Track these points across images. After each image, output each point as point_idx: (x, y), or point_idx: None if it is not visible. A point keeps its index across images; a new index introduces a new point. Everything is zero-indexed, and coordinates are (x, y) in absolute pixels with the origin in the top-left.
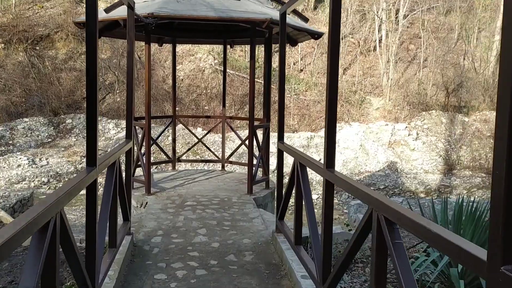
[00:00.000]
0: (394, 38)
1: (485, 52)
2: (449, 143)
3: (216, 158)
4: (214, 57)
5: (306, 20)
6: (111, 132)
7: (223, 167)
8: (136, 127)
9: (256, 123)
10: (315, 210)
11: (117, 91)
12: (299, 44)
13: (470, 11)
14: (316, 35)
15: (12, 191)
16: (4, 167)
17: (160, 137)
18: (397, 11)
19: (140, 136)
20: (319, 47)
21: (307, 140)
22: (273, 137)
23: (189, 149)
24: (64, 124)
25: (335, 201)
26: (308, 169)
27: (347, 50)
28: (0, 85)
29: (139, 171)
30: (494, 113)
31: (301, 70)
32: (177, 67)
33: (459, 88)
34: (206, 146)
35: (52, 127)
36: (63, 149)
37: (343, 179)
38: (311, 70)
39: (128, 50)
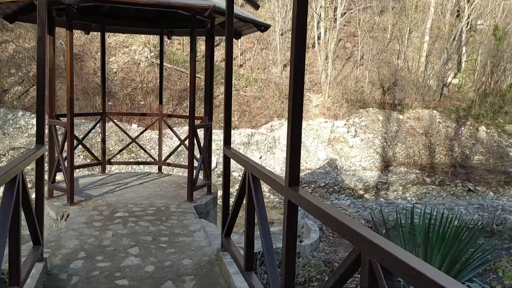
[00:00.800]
0: (332, 36)
1: (416, 52)
2: (385, 140)
3: (152, 160)
4: (150, 50)
5: (257, 6)
6: (35, 128)
7: (160, 169)
8: (57, 126)
9: (197, 121)
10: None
11: None
12: (239, 39)
13: (402, 12)
14: (263, 27)
15: None
16: None
17: (91, 136)
18: (335, 9)
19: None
20: (259, 42)
21: (247, 137)
22: (215, 134)
23: (121, 150)
24: None
25: (277, 199)
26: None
27: (287, 46)
28: None
29: (62, 177)
30: (426, 111)
31: (241, 66)
32: (110, 59)
33: (394, 86)
34: (140, 147)
35: None
36: None
37: (313, 203)
38: (251, 66)
39: (39, 35)
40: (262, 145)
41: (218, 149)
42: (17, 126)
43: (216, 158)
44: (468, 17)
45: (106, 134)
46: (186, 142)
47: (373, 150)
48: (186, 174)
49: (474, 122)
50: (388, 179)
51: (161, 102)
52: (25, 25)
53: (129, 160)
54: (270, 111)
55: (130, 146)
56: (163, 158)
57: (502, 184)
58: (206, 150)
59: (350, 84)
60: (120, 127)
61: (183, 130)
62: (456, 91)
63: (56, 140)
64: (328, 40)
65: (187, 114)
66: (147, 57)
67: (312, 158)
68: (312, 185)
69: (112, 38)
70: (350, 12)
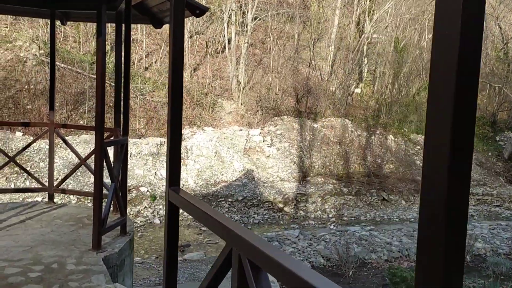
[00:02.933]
0: (243, 41)
1: (323, 61)
2: (301, 150)
3: (39, 186)
4: (39, 46)
5: None
6: None
7: (51, 198)
8: None
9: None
10: None
11: None
12: (143, 39)
13: (309, 21)
14: (198, 11)
15: None
16: None
17: None
18: (244, 14)
19: None
20: (166, 44)
21: (156, 147)
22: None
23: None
24: None
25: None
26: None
27: (195, 50)
28: None
29: None
30: (339, 120)
31: (146, 68)
32: None
33: (307, 94)
34: (23, 169)
35: None
36: None
37: (191, 202)
38: (158, 69)
39: None
40: None
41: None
42: None
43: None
44: (369, 30)
45: None
46: (91, 162)
47: (290, 160)
48: (88, 203)
49: (383, 131)
50: (306, 190)
51: (52, 108)
52: None
53: (6, 187)
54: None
55: (10, 169)
56: (55, 182)
57: (412, 192)
58: (121, 175)
59: (263, 91)
60: None
61: (81, 140)
62: (359, 100)
63: None
64: (238, 45)
65: (87, 124)
66: (36, 54)
67: (227, 170)
68: (229, 199)
69: None
70: (259, 18)
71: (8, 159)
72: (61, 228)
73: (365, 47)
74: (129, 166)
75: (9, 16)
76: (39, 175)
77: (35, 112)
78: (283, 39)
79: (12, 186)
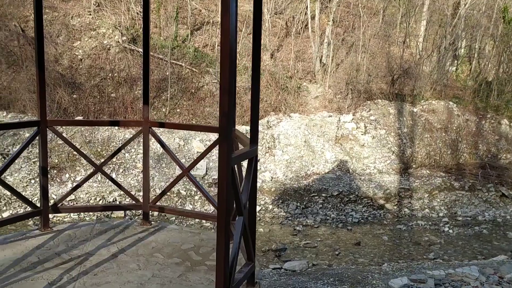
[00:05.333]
0: (326, 19)
1: (415, 38)
2: (400, 137)
3: (133, 202)
4: (121, 33)
5: None
6: None
7: (146, 217)
8: None
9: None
10: None
11: None
12: (216, 23)
13: None
14: None
15: None
16: None
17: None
18: None
19: None
20: (247, 25)
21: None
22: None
23: (76, 187)
24: None
25: (282, 212)
26: None
27: (274, 31)
28: None
29: None
30: (441, 102)
31: None
32: (74, 44)
33: (404, 75)
34: (112, 180)
35: None
36: None
37: None
38: (240, 52)
39: None
40: (259, 145)
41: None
42: None
43: (206, 163)
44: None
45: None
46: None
47: (388, 149)
48: (189, 222)
49: (495, 114)
50: (410, 185)
51: (146, 102)
52: None
53: (92, 204)
54: (265, 104)
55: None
56: (151, 197)
57: None
58: (250, 193)
59: (351, 73)
60: (69, 143)
61: (177, 136)
62: (455, 80)
63: None
64: (321, 23)
65: (169, 113)
66: (118, 41)
67: (318, 160)
68: (323, 194)
69: (76, 19)
70: None
71: (94, 168)
72: (165, 270)
73: (462, 19)
74: (214, 157)
75: (92, 3)
76: (128, 183)
77: (119, 100)
78: (370, 15)
79: (101, 199)
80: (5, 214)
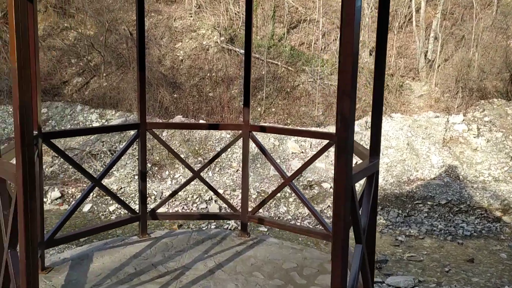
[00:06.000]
0: (436, 11)
1: None
2: None
3: (229, 212)
4: (220, 33)
5: None
6: (94, 124)
7: (244, 228)
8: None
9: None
10: None
11: (104, 74)
12: (319, 19)
13: None
14: None
15: None
16: None
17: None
18: None
19: None
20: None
21: None
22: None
23: (175, 193)
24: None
25: (382, 220)
26: None
27: (374, 27)
28: None
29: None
30: None
31: (323, 49)
32: (176, 46)
33: None
34: (209, 187)
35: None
36: None
37: None
38: (337, 50)
39: None
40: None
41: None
42: (75, 122)
43: (301, 164)
44: None
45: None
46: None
47: (505, 154)
48: (292, 244)
49: None
50: None
51: (247, 105)
52: (87, 10)
53: (190, 211)
54: (363, 103)
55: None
56: (249, 207)
57: None
58: (367, 223)
59: (462, 69)
60: (167, 146)
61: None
62: None
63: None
64: (429, 16)
65: (264, 113)
66: (217, 41)
67: (423, 165)
68: (429, 202)
69: (179, 22)
70: None
71: (193, 174)
72: (267, 281)
73: None
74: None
75: (193, 5)
76: (223, 182)
77: (216, 99)
78: (482, 6)
79: (198, 197)
80: (111, 208)
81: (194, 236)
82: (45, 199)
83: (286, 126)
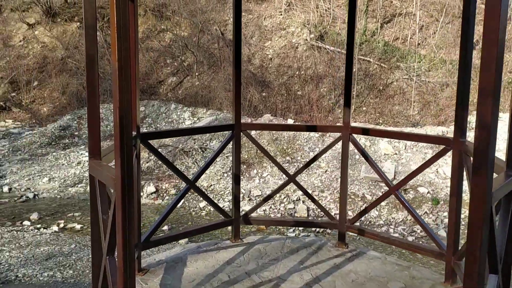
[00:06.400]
0: None
1: None
2: None
3: (326, 220)
4: (310, 31)
5: None
6: (186, 122)
7: (341, 238)
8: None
9: None
10: None
11: (196, 74)
12: (415, 12)
13: None
14: None
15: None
16: (63, 165)
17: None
18: None
19: None
20: (447, 14)
21: None
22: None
23: (269, 197)
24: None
25: None
26: None
27: (477, 19)
28: (73, 68)
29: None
30: None
31: (419, 44)
32: (265, 44)
33: None
34: (306, 192)
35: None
36: None
37: None
38: (436, 44)
39: None
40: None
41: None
42: (169, 120)
43: (394, 166)
44: None
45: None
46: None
47: None
48: (397, 259)
49: None
50: None
51: (348, 105)
52: (182, 12)
53: (283, 217)
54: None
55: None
56: (348, 215)
57: None
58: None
59: None
60: (263, 150)
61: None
62: None
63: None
64: None
65: (359, 111)
66: (306, 39)
67: None
68: None
69: (268, 20)
70: None
71: (287, 178)
72: None
73: None
74: (404, 161)
75: (283, 3)
76: (311, 183)
77: (305, 98)
78: None
79: (285, 197)
80: (202, 204)
81: (288, 243)
82: (141, 193)
83: (394, 129)
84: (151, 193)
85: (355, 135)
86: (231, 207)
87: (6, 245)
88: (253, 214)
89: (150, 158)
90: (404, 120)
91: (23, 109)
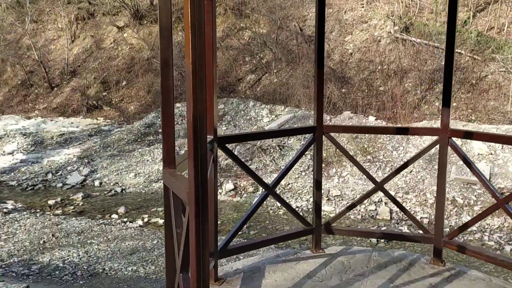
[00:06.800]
0: None
1: None
2: None
3: (419, 234)
4: (394, 23)
5: None
6: (264, 120)
7: (437, 254)
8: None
9: None
10: None
11: (274, 71)
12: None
13: None
14: None
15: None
16: (147, 161)
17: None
18: None
19: None
20: None
21: None
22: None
23: (353, 206)
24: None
25: None
26: None
27: None
28: (157, 68)
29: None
30: None
31: None
32: (346, 39)
33: None
34: (395, 202)
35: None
36: None
37: None
38: None
39: None
40: None
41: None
42: (247, 117)
43: (490, 167)
44: None
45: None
46: None
47: None
48: (505, 282)
49: None
50: None
51: (447, 104)
52: (261, 9)
53: (369, 228)
54: None
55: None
56: (447, 229)
57: None
58: None
59: None
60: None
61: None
62: None
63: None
64: None
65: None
66: (390, 32)
67: None
68: None
69: (349, 14)
70: None
71: (374, 186)
72: None
73: None
74: (500, 161)
75: None
76: (394, 184)
77: (387, 93)
78: None
79: (363, 206)
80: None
81: (375, 257)
82: (220, 191)
83: (489, 127)
84: (230, 191)
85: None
86: (309, 208)
87: (95, 238)
88: (334, 221)
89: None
90: (500, 117)
91: (112, 107)
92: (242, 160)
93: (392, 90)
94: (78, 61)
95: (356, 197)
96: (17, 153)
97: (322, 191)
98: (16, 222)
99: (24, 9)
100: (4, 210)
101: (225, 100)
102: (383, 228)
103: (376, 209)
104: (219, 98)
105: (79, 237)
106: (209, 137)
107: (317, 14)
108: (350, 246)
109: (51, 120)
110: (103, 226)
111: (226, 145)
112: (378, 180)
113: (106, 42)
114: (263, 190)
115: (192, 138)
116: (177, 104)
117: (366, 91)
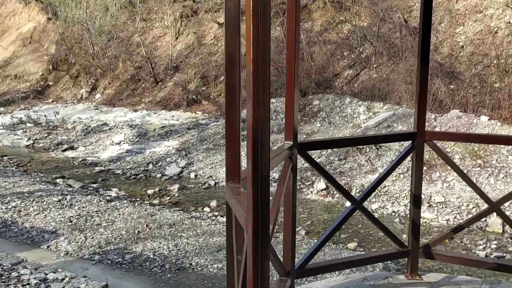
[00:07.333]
0: None
1: None
2: None
3: None
4: None
5: None
6: (361, 117)
7: None
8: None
9: None
10: None
11: (374, 66)
12: None
13: None
14: None
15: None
16: (241, 155)
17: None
18: None
19: None
20: None
21: None
22: None
23: (460, 228)
24: (310, 106)
25: None
26: None
27: None
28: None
29: None
30: None
31: None
32: (457, 30)
33: None
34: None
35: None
36: (305, 136)
37: None
38: None
39: None
40: None
41: None
42: (343, 114)
43: None
44: None
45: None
46: None
47: None
48: None
49: None
50: None
51: None
52: (362, 1)
53: (477, 257)
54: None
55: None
56: None
57: None
58: None
59: None
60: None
61: None
62: None
63: None
64: None
65: None
66: (509, 22)
67: None
68: None
69: (461, 3)
70: None
71: (488, 206)
72: None
73: None
74: None
75: None
76: (501, 191)
77: (504, 91)
78: None
79: (474, 207)
80: (374, 206)
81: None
82: (311, 189)
83: None
84: (321, 190)
85: None
86: (407, 213)
87: (185, 231)
88: (435, 245)
89: (322, 153)
90: None
91: (210, 101)
92: (336, 159)
93: (510, 87)
94: (180, 57)
95: (462, 205)
96: (124, 143)
97: (424, 196)
98: (116, 210)
99: (135, 8)
100: (108, 197)
101: (320, 96)
102: (494, 243)
103: (485, 220)
104: (314, 94)
105: (171, 229)
106: (288, 143)
107: (422, 3)
108: (453, 275)
109: (155, 113)
110: (194, 219)
111: (308, 151)
112: (492, 189)
113: (207, 38)
114: (350, 204)
115: (252, 155)
116: (272, 100)
117: (479, 87)
